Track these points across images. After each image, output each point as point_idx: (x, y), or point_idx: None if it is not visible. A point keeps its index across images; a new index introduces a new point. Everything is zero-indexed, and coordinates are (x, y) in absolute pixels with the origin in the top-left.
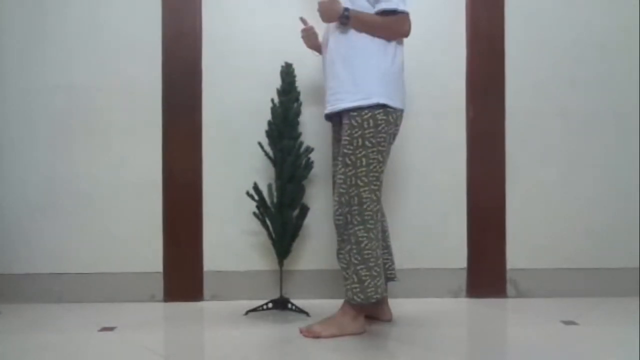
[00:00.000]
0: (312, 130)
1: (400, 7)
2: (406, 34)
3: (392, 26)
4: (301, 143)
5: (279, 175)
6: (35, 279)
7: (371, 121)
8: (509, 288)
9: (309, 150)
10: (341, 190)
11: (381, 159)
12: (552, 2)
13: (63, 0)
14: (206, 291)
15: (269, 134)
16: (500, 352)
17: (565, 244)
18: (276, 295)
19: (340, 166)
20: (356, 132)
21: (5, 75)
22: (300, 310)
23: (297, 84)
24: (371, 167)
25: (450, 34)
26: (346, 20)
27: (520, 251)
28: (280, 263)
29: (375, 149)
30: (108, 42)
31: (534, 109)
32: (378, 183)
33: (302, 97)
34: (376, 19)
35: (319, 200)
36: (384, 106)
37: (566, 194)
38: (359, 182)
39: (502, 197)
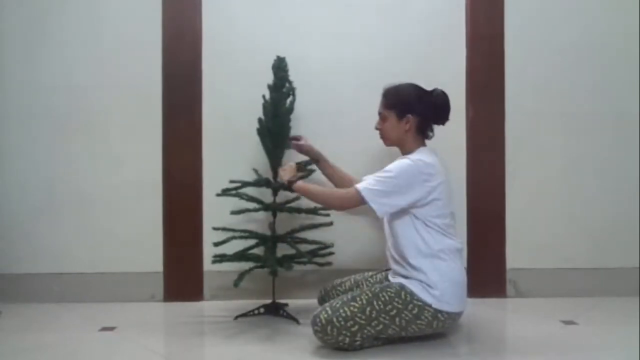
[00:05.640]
0: (309, 129)
1: (363, 191)
2: (340, 208)
3: (331, 199)
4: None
5: (267, 183)
6: (35, 279)
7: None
8: (509, 288)
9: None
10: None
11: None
12: (552, 2)
13: (63, 0)
14: (206, 291)
15: (259, 132)
16: (500, 352)
17: (565, 244)
18: (277, 297)
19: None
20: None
21: (6, 75)
22: (291, 317)
23: (297, 80)
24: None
25: (450, 34)
26: (290, 188)
27: (520, 251)
28: (274, 272)
29: (395, 320)
30: (108, 42)
31: (534, 109)
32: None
33: (301, 94)
34: (319, 191)
35: None
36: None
37: (566, 194)
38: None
39: (502, 197)
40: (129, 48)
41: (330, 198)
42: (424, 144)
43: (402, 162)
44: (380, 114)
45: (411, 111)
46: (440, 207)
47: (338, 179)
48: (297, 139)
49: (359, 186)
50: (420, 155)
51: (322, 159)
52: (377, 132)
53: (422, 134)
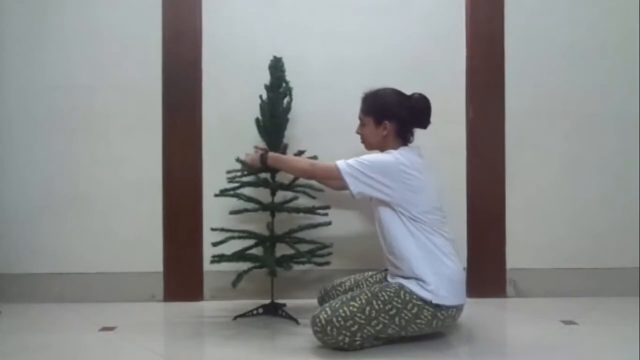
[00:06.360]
0: (307, 128)
1: (340, 164)
2: (311, 175)
3: (305, 165)
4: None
5: (265, 183)
6: (35, 279)
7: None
8: (509, 288)
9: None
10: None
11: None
12: (552, 2)
13: (63, 0)
14: (206, 291)
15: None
16: (500, 352)
17: (565, 244)
18: (276, 297)
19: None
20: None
21: (6, 75)
22: (290, 317)
23: (296, 80)
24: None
25: (450, 34)
26: (265, 163)
27: (520, 251)
28: (273, 272)
29: (394, 320)
30: (108, 42)
31: (534, 110)
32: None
33: (300, 94)
34: (292, 158)
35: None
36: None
37: (566, 194)
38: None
39: (502, 197)
40: (129, 48)
41: (304, 164)
42: (405, 145)
43: (380, 153)
44: (359, 119)
45: (389, 117)
46: (423, 203)
47: None
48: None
49: (338, 161)
50: (400, 152)
51: None
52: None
53: (402, 138)
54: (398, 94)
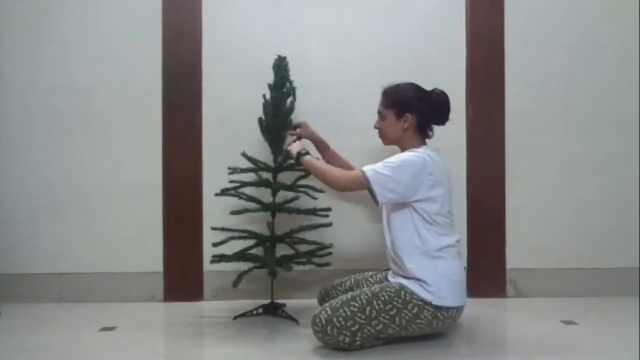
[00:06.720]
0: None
1: (368, 172)
2: (341, 187)
3: (335, 177)
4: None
5: (267, 183)
6: (35, 279)
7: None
8: (509, 288)
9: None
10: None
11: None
12: (552, 2)
13: (63, 0)
14: (206, 291)
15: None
16: (500, 352)
17: (565, 244)
18: (276, 297)
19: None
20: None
21: (5, 75)
22: (290, 317)
23: (297, 80)
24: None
25: (450, 34)
26: (298, 161)
27: (520, 251)
28: (273, 273)
29: (394, 321)
30: (108, 42)
31: (534, 109)
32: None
33: (301, 94)
34: (325, 168)
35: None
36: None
37: (566, 194)
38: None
39: (502, 197)
40: (129, 48)
41: (334, 176)
42: (424, 143)
43: (408, 154)
44: (379, 112)
45: (410, 110)
46: (440, 205)
47: (337, 166)
48: (295, 128)
49: (365, 168)
50: (426, 151)
51: (323, 144)
52: (377, 131)
53: (422, 133)
54: (419, 88)
